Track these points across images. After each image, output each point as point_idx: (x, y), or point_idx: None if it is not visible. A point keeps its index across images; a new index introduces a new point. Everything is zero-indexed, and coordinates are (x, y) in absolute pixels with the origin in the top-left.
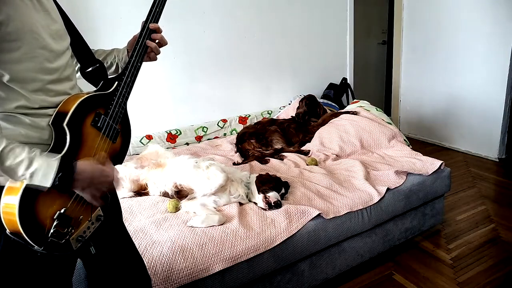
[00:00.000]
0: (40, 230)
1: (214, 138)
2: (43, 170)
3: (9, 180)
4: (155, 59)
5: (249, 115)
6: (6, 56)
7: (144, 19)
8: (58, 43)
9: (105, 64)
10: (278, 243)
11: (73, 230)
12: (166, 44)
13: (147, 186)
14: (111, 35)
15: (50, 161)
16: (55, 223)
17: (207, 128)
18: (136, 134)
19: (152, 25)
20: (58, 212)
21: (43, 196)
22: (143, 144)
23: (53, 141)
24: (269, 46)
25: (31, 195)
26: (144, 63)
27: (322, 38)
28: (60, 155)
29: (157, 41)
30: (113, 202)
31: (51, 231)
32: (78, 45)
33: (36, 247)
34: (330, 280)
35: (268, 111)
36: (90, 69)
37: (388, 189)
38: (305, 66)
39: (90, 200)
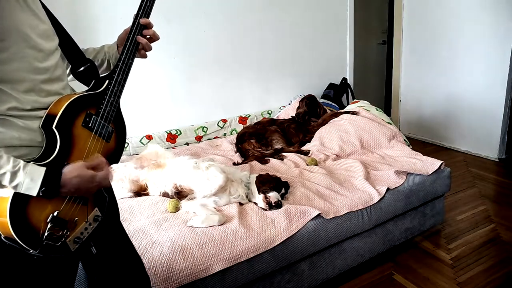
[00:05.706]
0: (33, 234)
1: (214, 138)
2: (25, 185)
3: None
4: (145, 56)
5: (249, 115)
6: None
7: (135, 13)
8: (47, 43)
9: (96, 62)
10: (278, 243)
11: (68, 232)
12: (158, 39)
13: (147, 186)
14: (111, 35)
15: (34, 174)
16: (49, 226)
17: (207, 128)
18: (136, 134)
19: (142, 20)
20: (51, 215)
21: (35, 200)
22: (143, 144)
23: (44, 144)
24: (269, 46)
25: (22, 199)
26: (140, 62)
27: (322, 38)
28: (46, 166)
29: (148, 36)
30: (111, 202)
31: (46, 234)
32: (67, 46)
33: (31, 250)
34: (330, 280)
35: (268, 111)
36: (81, 69)
37: (388, 189)
38: (305, 66)
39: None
